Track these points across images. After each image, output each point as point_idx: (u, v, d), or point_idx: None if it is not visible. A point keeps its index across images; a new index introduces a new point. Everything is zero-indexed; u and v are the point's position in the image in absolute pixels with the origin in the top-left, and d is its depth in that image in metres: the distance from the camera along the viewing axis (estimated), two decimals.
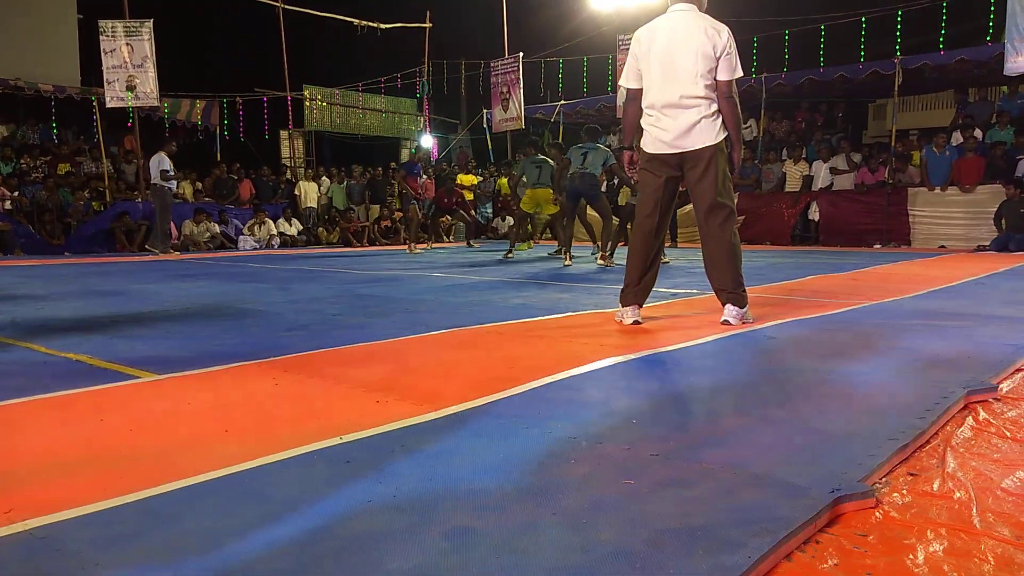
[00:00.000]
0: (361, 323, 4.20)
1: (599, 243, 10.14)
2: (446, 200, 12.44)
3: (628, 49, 4.14)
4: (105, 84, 13.43)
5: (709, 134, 3.86)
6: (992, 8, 12.90)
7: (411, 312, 4.67)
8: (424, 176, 18.39)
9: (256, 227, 14.38)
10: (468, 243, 14.28)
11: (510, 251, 10.27)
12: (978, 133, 12.36)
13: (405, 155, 22.66)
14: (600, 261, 8.53)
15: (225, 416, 2.27)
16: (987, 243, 11.20)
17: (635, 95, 4.05)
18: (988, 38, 12.90)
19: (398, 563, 1.32)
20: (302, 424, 2.18)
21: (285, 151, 19.28)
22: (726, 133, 3.93)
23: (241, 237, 14.27)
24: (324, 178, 17.34)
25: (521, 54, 16.63)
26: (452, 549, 1.37)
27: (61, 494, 1.64)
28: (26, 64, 15.82)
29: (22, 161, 14.45)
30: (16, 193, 13.04)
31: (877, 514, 1.56)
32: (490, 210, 17.80)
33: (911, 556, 1.38)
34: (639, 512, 1.52)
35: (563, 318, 4.32)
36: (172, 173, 12.23)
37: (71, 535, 1.44)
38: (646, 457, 1.86)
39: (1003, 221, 11.10)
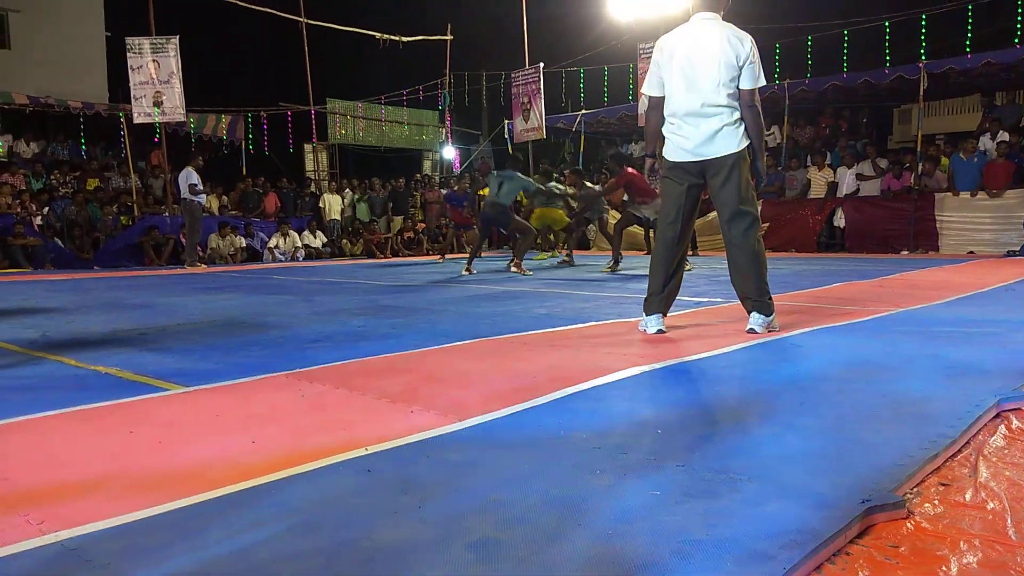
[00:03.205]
0: (385, 334, 4.22)
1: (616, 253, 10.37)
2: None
3: (649, 57, 4.15)
4: (132, 100, 13.65)
5: (731, 142, 3.85)
6: (1020, 10, 12.73)
7: (435, 323, 4.68)
8: (445, 189, 18.47)
9: (281, 239, 14.51)
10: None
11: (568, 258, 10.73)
12: (1005, 136, 12.17)
13: (428, 166, 22.79)
14: (513, 269, 8.97)
15: (252, 428, 2.29)
16: (1017, 248, 11.02)
17: (657, 103, 4.05)
18: (1016, 40, 12.73)
19: (423, 574, 1.32)
20: (328, 435, 2.19)
21: (309, 164, 19.47)
22: (748, 141, 3.91)
23: (266, 250, 14.41)
24: (347, 190, 17.47)
25: (542, 64, 16.66)
26: (477, 560, 1.37)
27: (91, 506, 1.66)
28: (56, 82, 16.15)
29: (52, 177, 14.72)
30: (46, 209, 13.28)
31: (908, 525, 1.54)
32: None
33: (944, 568, 1.36)
34: (666, 523, 1.51)
35: (586, 328, 4.30)
36: (200, 187, 12.40)
37: (101, 546, 1.45)
38: (672, 467, 1.85)
39: None
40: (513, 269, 8.93)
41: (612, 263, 9.27)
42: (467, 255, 13.42)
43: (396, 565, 1.35)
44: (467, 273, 8.97)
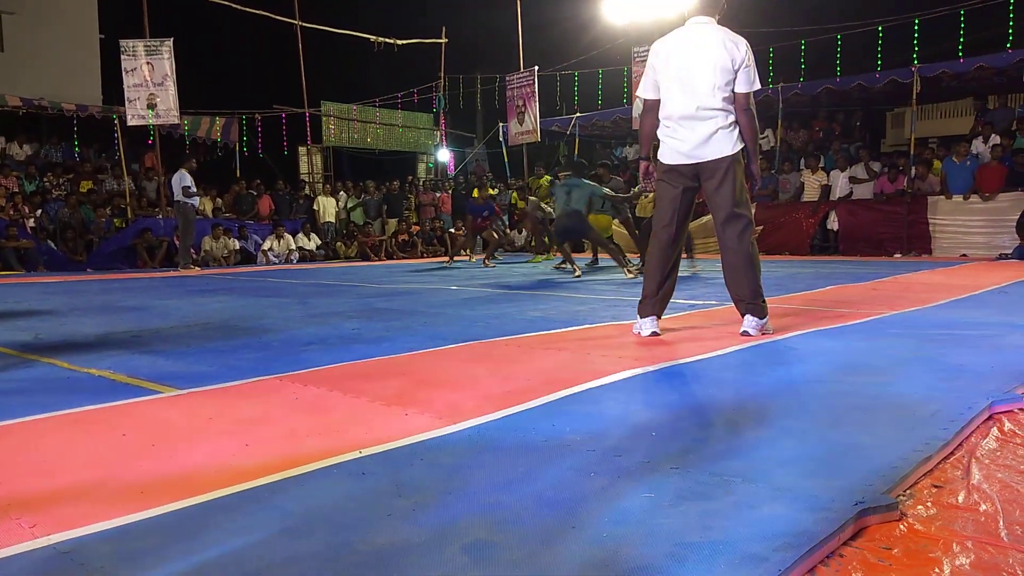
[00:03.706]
0: (379, 337, 4.22)
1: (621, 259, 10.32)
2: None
3: (643, 61, 4.17)
4: (126, 102, 13.63)
5: (726, 145, 3.86)
6: (1011, 14, 12.81)
7: (429, 325, 4.68)
8: (439, 192, 18.48)
9: (275, 242, 14.50)
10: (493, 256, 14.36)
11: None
12: (996, 139, 12.24)
13: (422, 169, 22.79)
14: (628, 274, 8.59)
15: (245, 430, 2.28)
16: (1009, 251, 11.07)
17: (652, 106, 4.06)
18: (1008, 45, 12.80)
19: None
20: (321, 438, 2.18)
21: (304, 167, 19.45)
22: (743, 144, 3.92)
23: (260, 252, 14.39)
24: (342, 193, 17.46)
25: (536, 67, 16.69)
26: (472, 563, 1.37)
27: (84, 509, 1.66)
28: (49, 84, 16.09)
29: (45, 179, 14.67)
30: (39, 211, 13.23)
31: (901, 527, 1.54)
32: (507, 222, 17.86)
33: (937, 570, 1.36)
34: (660, 526, 1.51)
35: (581, 330, 4.31)
36: (194, 189, 12.37)
37: (94, 550, 1.45)
38: (666, 470, 1.85)
39: None
40: (629, 275, 8.53)
41: (637, 266, 8.96)
42: (466, 257, 13.46)
43: (390, 568, 1.35)
44: (578, 275, 8.71)
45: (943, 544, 1.46)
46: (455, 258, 12.80)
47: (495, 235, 12.25)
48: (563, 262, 10.74)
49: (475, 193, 12.82)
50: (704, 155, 3.88)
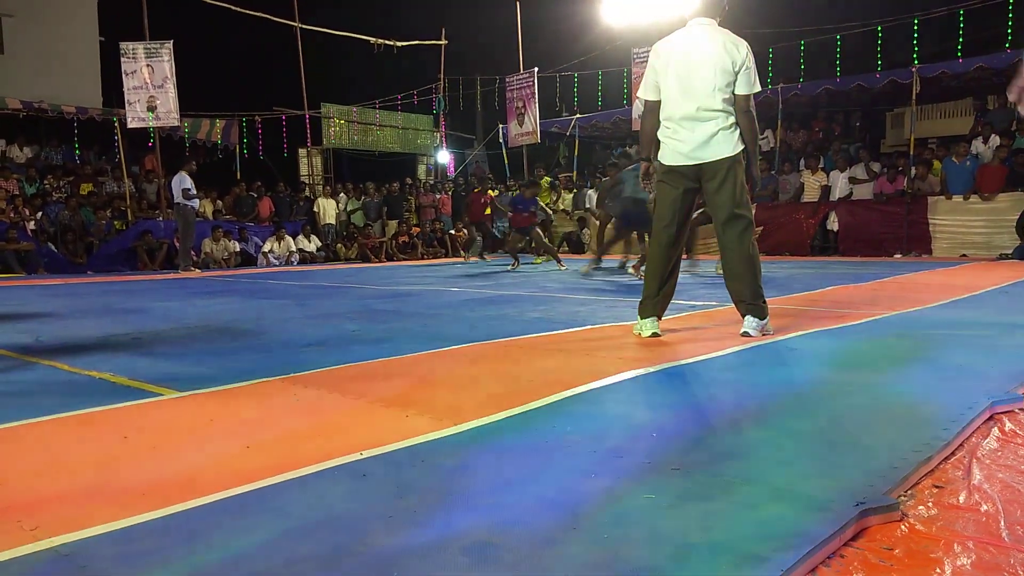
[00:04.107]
0: (379, 338, 4.22)
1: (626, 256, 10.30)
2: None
3: (643, 62, 4.18)
4: (126, 105, 13.64)
5: (727, 146, 3.86)
6: (1010, 14, 12.81)
7: (429, 327, 4.68)
8: (439, 193, 18.48)
9: (275, 244, 14.50)
10: (481, 257, 14.30)
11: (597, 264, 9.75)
12: (997, 139, 12.24)
13: (422, 171, 22.81)
14: (631, 271, 8.71)
15: (246, 432, 2.28)
16: (1010, 251, 11.07)
17: (653, 107, 4.06)
18: (1007, 45, 12.81)
19: None
20: (322, 440, 2.18)
21: (304, 168, 19.45)
22: (743, 145, 3.92)
23: (260, 254, 14.39)
24: (342, 195, 17.47)
25: (536, 69, 16.70)
26: (472, 565, 1.36)
27: (85, 511, 1.66)
28: (49, 86, 16.09)
29: (45, 181, 14.68)
30: (40, 213, 13.24)
31: (903, 527, 1.54)
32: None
33: (938, 570, 1.36)
34: (661, 527, 1.51)
35: (582, 331, 4.31)
36: (194, 191, 12.38)
37: (96, 552, 1.45)
38: (667, 471, 1.85)
39: None
40: (631, 271, 8.71)
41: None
42: (461, 258, 13.46)
43: (391, 570, 1.35)
44: (563, 268, 8.72)
45: (944, 544, 1.46)
46: (486, 257, 12.78)
47: (539, 234, 12.14)
48: (595, 263, 10.41)
49: (475, 190, 12.80)
50: (705, 156, 3.88)
